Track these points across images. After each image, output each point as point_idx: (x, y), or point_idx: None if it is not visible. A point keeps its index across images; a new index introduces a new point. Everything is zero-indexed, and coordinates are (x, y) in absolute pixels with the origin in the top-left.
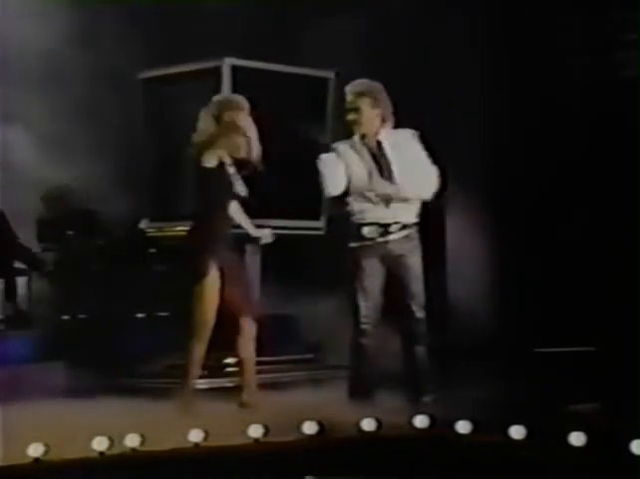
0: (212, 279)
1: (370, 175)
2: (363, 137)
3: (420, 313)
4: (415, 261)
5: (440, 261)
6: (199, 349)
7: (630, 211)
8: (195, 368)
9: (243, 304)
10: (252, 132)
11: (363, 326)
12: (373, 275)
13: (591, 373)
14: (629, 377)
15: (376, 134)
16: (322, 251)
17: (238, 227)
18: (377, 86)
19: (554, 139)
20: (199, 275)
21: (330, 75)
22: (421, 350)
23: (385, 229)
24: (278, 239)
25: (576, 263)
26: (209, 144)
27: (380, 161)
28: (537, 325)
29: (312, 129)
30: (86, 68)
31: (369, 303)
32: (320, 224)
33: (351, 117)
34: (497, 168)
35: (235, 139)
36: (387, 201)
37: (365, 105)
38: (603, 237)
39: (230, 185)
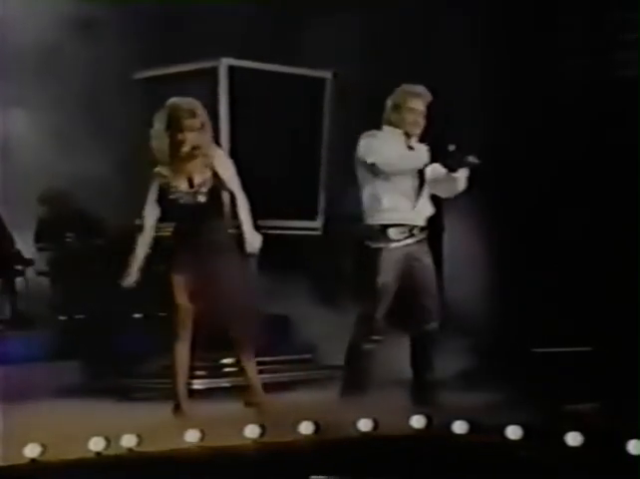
0: (176, 281)
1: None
2: (407, 135)
3: (436, 313)
4: (431, 263)
5: (437, 262)
6: (181, 349)
7: (630, 211)
8: (181, 369)
9: (225, 318)
10: (202, 140)
11: (374, 327)
12: (391, 277)
13: (588, 373)
14: (626, 377)
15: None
16: (319, 251)
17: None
18: (429, 95)
19: (554, 139)
20: (165, 278)
21: (327, 75)
22: (431, 348)
23: (410, 231)
24: (275, 238)
25: (575, 263)
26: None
27: None
28: (535, 325)
29: (309, 129)
30: (82, 68)
31: (383, 305)
32: (317, 224)
33: (412, 118)
34: (496, 167)
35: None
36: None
37: (425, 110)
38: (603, 237)
39: (175, 202)
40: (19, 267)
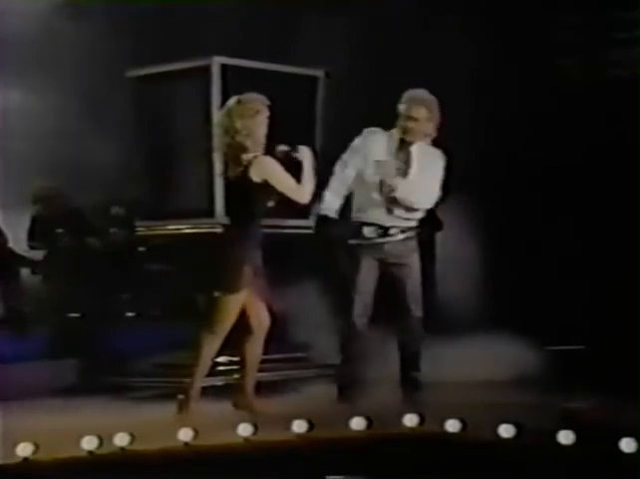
0: (247, 290)
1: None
2: (403, 141)
3: (418, 312)
4: (412, 262)
5: (430, 261)
6: (213, 346)
7: (628, 210)
8: (205, 365)
9: (267, 299)
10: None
11: (355, 323)
12: (368, 274)
13: (582, 372)
14: (620, 375)
15: (413, 143)
16: (311, 250)
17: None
18: (434, 99)
19: (549, 139)
20: (236, 287)
21: (319, 74)
22: (417, 348)
23: (385, 230)
24: (267, 237)
25: (571, 262)
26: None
27: (403, 164)
28: (529, 324)
29: (301, 127)
30: (75, 68)
31: (361, 302)
32: (309, 222)
33: (408, 124)
34: (492, 167)
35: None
36: (389, 199)
37: (423, 116)
38: (600, 236)
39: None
40: (21, 268)
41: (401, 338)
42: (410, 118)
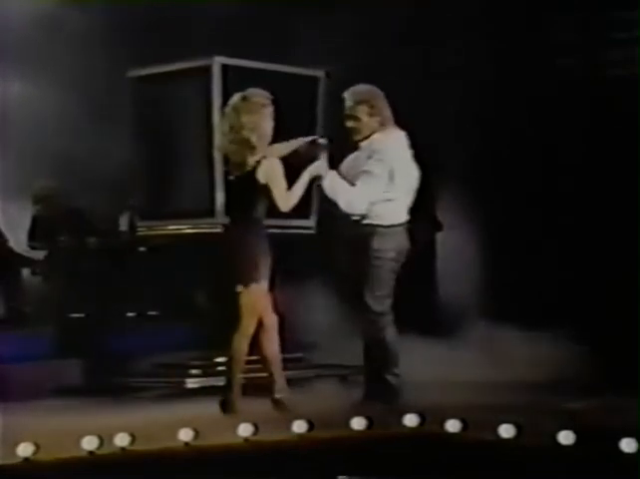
0: (265, 284)
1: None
2: (356, 142)
3: (377, 308)
4: (361, 256)
5: (430, 260)
6: (245, 345)
7: (628, 210)
8: (241, 364)
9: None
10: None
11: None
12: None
13: (582, 371)
14: (619, 375)
15: (369, 138)
16: (311, 250)
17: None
18: (375, 92)
19: (549, 138)
20: (255, 277)
21: (320, 74)
22: (385, 346)
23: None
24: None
25: (570, 263)
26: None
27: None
28: (528, 324)
29: (302, 128)
30: (76, 68)
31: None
32: (310, 222)
33: (350, 124)
34: (491, 168)
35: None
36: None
37: (363, 114)
38: (600, 236)
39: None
40: (22, 268)
41: (364, 335)
42: (350, 117)
